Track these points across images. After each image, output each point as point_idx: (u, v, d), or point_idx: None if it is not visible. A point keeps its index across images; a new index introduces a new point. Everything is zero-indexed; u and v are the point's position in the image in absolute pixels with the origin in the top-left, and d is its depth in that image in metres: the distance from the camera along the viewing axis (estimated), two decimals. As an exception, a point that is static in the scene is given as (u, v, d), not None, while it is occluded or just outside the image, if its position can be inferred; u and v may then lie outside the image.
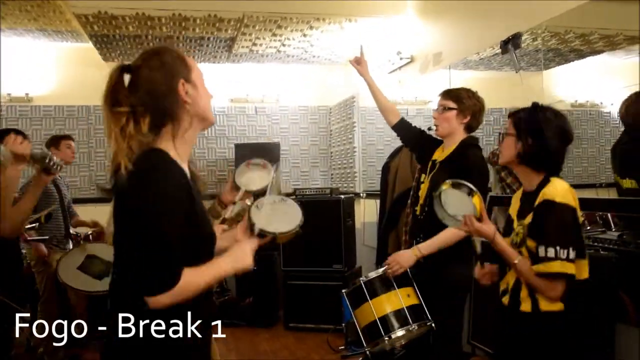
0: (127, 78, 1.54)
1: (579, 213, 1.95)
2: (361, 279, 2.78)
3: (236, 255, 1.61)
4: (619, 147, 2.77)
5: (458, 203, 2.11)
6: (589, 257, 2.30)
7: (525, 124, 2.03)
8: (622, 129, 2.80)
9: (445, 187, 2.13)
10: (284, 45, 5.43)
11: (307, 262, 5.08)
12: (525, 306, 1.99)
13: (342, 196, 5.13)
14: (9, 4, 4.46)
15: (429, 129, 2.90)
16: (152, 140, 1.53)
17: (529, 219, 1.99)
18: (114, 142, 1.49)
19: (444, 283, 2.67)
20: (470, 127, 2.78)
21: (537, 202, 1.97)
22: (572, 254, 1.87)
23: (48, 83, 5.93)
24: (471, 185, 2.11)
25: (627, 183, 2.74)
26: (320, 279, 5.00)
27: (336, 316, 4.62)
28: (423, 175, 2.89)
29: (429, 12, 4.56)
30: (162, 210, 1.43)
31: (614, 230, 2.86)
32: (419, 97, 5.05)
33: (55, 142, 4.37)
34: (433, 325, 2.64)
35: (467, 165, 2.62)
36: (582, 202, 2.88)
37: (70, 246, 4.28)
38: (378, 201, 4.93)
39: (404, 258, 2.69)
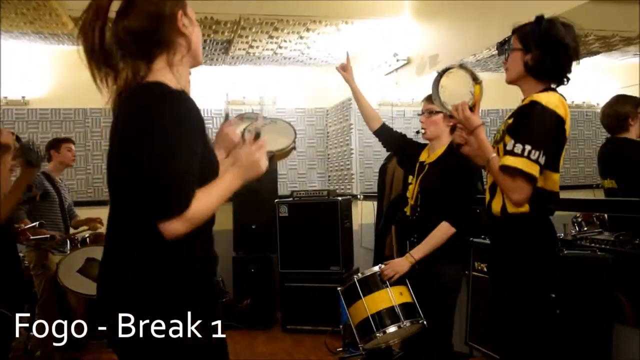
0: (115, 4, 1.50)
1: (568, 124, 1.93)
2: (355, 276, 2.82)
3: (244, 165, 1.51)
4: (600, 149, 2.79)
5: (456, 87, 2.11)
6: (586, 258, 2.31)
7: (532, 35, 2.01)
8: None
9: (454, 67, 2.13)
10: (280, 47, 5.43)
11: (305, 264, 5.09)
12: (496, 207, 2.02)
13: (340, 198, 5.15)
14: (5, 7, 4.44)
15: (418, 132, 2.93)
16: (145, 70, 1.47)
17: (511, 120, 2.01)
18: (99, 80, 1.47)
19: (435, 284, 2.72)
20: (455, 129, 2.79)
21: (523, 102, 1.98)
22: (537, 155, 1.85)
23: (44, 86, 5.92)
24: (477, 74, 2.11)
25: (608, 183, 2.76)
26: (317, 280, 5.00)
27: (334, 318, 4.64)
28: (410, 177, 2.93)
29: (425, 14, 4.56)
30: (181, 133, 1.37)
31: (605, 232, 2.89)
32: (416, 98, 5.04)
33: (55, 145, 4.38)
34: (425, 323, 2.67)
35: (459, 165, 2.64)
36: (579, 203, 2.91)
37: (68, 249, 4.26)
38: (375, 203, 4.91)
39: (399, 265, 2.74)
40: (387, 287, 2.73)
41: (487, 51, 3.62)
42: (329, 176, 6.72)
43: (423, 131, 2.88)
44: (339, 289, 2.88)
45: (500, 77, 3.64)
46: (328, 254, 5.02)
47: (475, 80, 2.11)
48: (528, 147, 1.86)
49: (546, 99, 1.92)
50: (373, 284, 2.77)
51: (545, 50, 1.98)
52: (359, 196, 5.76)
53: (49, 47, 5.67)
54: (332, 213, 5.04)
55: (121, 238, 1.47)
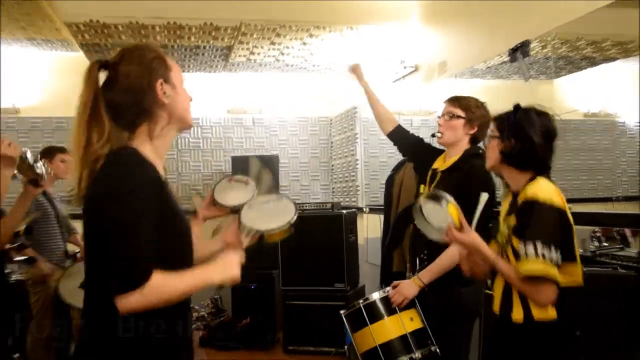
0: (103, 75, 1.56)
1: (569, 214, 1.94)
2: (360, 301, 2.74)
3: (222, 265, 1.60)
4: None
5: (437, 215, 2.12)
6: (606, 276, 2.29)
7: (507, 124, 2.07)
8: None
9: (422, 200, 2.15)
10: (282, 54, 5.46)
11: (308, 281, 5.05)
12: (517, 314, 1.98)
13: (344, 211, 5.11)
14: (-2, 12, 4.49)
15: (433, 135, 2.88)
16: (127, 139, 1.55)
17: (513, 218, 2.01)
18: (83, 150, 1.51)
19: (450, 306, 2.63)
20: (475, 140, 2.75)
21: (519, 202, 1.99)
22: (554, 254, 1.86)
23: (36, 94, 5.96)
24: (444, 194, 2.13)
25: None
26: (321, 298, 4.96)
27: (338, 338, 4.59)
28: (422, 186, 2.86)
29: (433, 19, 4.57)
30: (131, 206, 1.41)
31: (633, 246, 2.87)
32: (424, 107, 5.05)
33: (49, 154, 4.28)
34: (438, 350, 2.60)
35: (470, 176, 2.61)
36: (598, 217, 2.88)
37: (67, 264, 4.24)
38: (382, 216, 4.89)
39: (407, 289, 2.67)
40: (397, 312, 2.66)
41: (498, 58, 3.62)
42: (333, 188, 6.72)
43: (439, 135, 2.80)
44: (342, 312, 2.81)
45: (512, 85, 3.66)
46: (332, 270, 4.97)
47: (443, 201, 2.13)
48: (539, 245, 1.87)
49: (540, 193, 1.93)
50: (380, 309, 2.70)
51: (517, 139, 2.03)
52: (364, 209, 5.76)
53: (41, 54, 5.72)
54: (337, 227, 5.00)
55: (93, 299, 1.53)
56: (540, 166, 2.06)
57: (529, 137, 2.02)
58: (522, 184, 2.04)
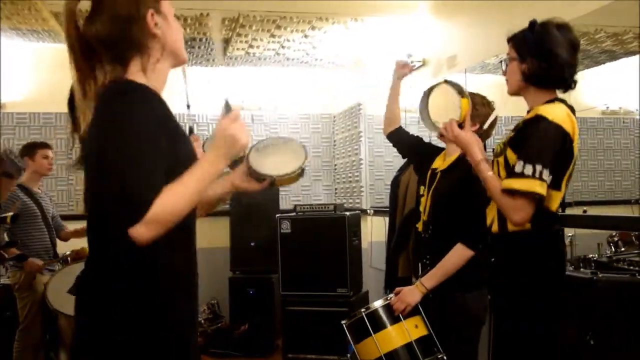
0: (85, 4, 1.53)
1: (577, 140, 1.99)
2: (362, 310, 2.75)
3: (221, 141, 1.52)
4: None
5: (444, 104, 2.20)
6: (623, 282, 2.29)
7: (525, 42, 2.09)
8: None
9: (440, 84, 2.24)
10: (283, 47, 5.46)
11: (309, 286, 5.06)
12: (494, 226, 2.09)
13: (347, 213, 5.13)
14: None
15: None
16: (120, 73, 1.51)
17: (513, 132, 2.08)
18: (81, 86, 1.51)
19: (453, 312, 2.64)
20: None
21: (528, 116, 2.04)
22: (546, 174, 1.91)
23: (22, 88, 5.94)
24: (463, 87, 2.20)
25: None
26: (322, 304, 4.97)
27: (340, 345, 4.59)
28: (422, 188, 2.86)
29: (443, 11, 4.57)
30: (140, 131, 1.39)
31: None
32: (432, 103, 5.06)
33: (29, 150, 4.31)
34: (445, 358, 2.60)
35: (471, 174, 2.59)
36: (616, 220, 2.88)
37: (57, 267, 4.26)
38: (387, 218, 4.90)
39: (409, 296, 2.67)
40: (401, 320, 2.66)
41: None
42: (336, 189, 6.73)
43: None
44: (343, 323, 2.81)
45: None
46: (334, 274, 4.99)
47: (462, 93, 2.20)
48: (539, 167, 1.92)
49: (552, 112, 1.97)
50: (383, 318, 2.70)
51: (540, 58, 2.05)
52: (368, 211, 5.76)
53: (27, 45, 5.72)
54: (339, 229, 5.02)
55: (95, 256, 1.53)
56: (562, 82, 2.09)
57: (552, 53, 2.03)
58: (539, 103, 2.07)
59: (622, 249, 2.88)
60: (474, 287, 2.58)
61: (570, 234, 2.98)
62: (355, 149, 6.11)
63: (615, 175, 3.06)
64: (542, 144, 1.94)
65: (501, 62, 2.24)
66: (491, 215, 2.16)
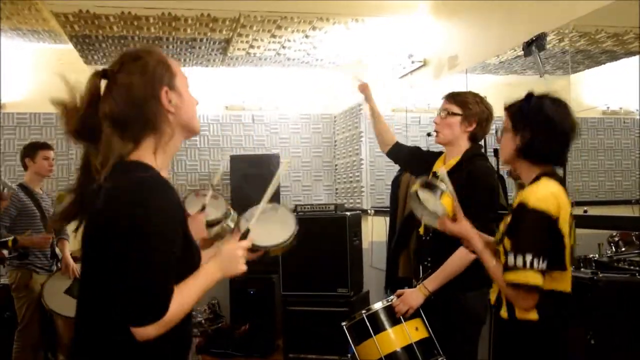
0: (103, 83, 1.52)
1: (565, 218, 1.98)
2: (363, 312, 2.75)
3: (225, 260, 1.61)
4: None
5: (433, 202, 2.19)
6: (624, 282, 2.29)
7: (521, 115, 2.07)
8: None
9: (415, 187, 2.22)
10: (284, 47, 5.47)
11: (309, 286, 5.05)
12: (504, 312, 2.08)
13: (348, 213, 5.12)
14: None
15: (429, 134, 2.90)
16: (131, 151, 1.52)
17: (509, 217, 2.07)
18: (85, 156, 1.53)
19: (455, 312, 2.66)
20: (474, 137, 2.77)
21: (515, 204, 2.04)
22: (536, 262, 1.91)
23: (22, 88, 5.98)
24: (439, 183, 2.20)
25: None
26: (323, 304, 4.96)
27: (341, 345, 4.58)
28: None
29: (444, 11, 4.58)
30: (162, 232, 1.42)
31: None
32: (432, 104, 5.05)
33: (30, 151, 4.32)
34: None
35: (473, 178, 2.62)
36: (616, 220, 2.89)
37: (55, 268, 4.27)
38: (387, 218, 4.91)
39: (412, 298, 2.67)
40: (402, 322, 2.67)
41: (512, 52, 3.63)
42: (337, 189, 6.75)
43: (435, 134, 2.83)
44: (343, 324, 2.82)
45: (526, 80, 3.65)
46: (335, 275, 4.98)
47: (438, 191, 2.20)
48: (527, 257, 1.93)
49: (534, 196, 1.97)
50: (384, 319, 2.70)
51: (535, 132, 2.04)
52: (369, 211, 5.79)
53: (27, 45, 5.72)
54: (340, 229, 5.01)
55: (90, 327, 1.52)
56: (555, 160, 2.10)
57: (544, 129, 2.03)
58: (531, 179, 2.08)
59: (623, 249, 2.89)
60: (475, 287, 2.59)
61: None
62: (356, 149, 6.14)
63: (616, 175, 3.07)
64: (527, 233, 1.95)
65: (496, 130, 2.25)
66: (494, 294, 2.18)
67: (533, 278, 1.92)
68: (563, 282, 2.01)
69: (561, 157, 2.09)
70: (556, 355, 2.04)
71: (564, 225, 1.97)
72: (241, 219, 1.90)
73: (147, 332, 1.38)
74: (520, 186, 2.23)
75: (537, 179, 2.05)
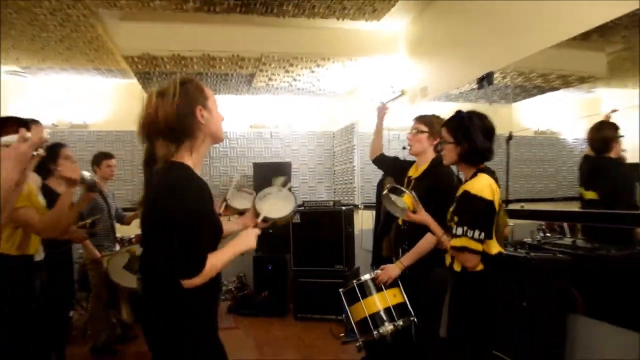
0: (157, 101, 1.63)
1: (497, 201, 2.03)
2: (354, 281, 2.76)
3: (243, 239, 1.75)
4: (585, 164, 2.81)
5: (400, 201, 2.30)
6: (549, 259, 2.35)
7: (459, 130, 2.11)
8: (577, 151, 2.86)
9: (385, 191, 2.32)
10: (295, 80, 5.48)
11: (314, 263, 5.09)
12: (457, 267, 2.13)
13: (344, 207, 5.14)
14: (73, 49, 4.56)
15: (404, 147, 2.90)
16: (173, 152, 1.63)
17: (455, 205, 2.13)
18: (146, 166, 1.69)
19: (426, 283, 2.64)
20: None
21: (459, 193, 2.09)
22: (477, 234, 1.98)
23: (101, 112, 6.01)
24: (401, 188, 2.29)
25: (590, 195, 2.75)
26: (324, 277, 5.00)
27: (338, 308, 4.63)
28: None
29: (417, 53, 4.56)
30: (201, 212, 1.56)
31: (568, 236, 2.90)
32: (408, 124, 5.06)
33: (97, 160, 4.29)
34: (415, 320, 2.63)
35: (436, 180, 2.63)
36: (543, 213, 2.92)
37: (117, 248, 4.26)
38: (374, 212, 4.90)
39: (391, 270, 2.69)
40: (383, 290, 2.69)
41: (469, 85, 3.61)
42: (335, 189, 6.73)
43: (409, 147, 2.82)
44: (340, 290, 2.83)
45: (479, 107, 3.68)
46: (333, 254, 5.01)
47: (401, 193, 2.30)
48: (465, 229, 2.00)
49: (475, 186, 2.02)
50: (370, 287, 2.72)
51: (471, 142, 2.08)
52: (360, 206, 5.75)
53: (105, 81, 5.79)
54: (337, 220, 5.04)
55: (154, 276, 1.64)
56: (484, 159, 2.13)
57: (475, 138, 2.07)
58: (470, 175, 2.12)
59: (548, 235, 2.90)
60: (441, 264, 2.58)
61: (511, 224, 3.01)
62: (350, 158, 6.10)
63: (544, 179, 3.09)
64: (468, 212, 2.01)
65: (438, 142, 2.36)
66: (450, 259, 2.20)
67: (475, 245, 1.98)
68: (492, 248, 2.05)
69: (491, 153, 2.13)
70: (488, 292, 2.09)
71: (497, 205, 2.03)
72: (256, 198, 2.01)
73: (192, 282, 1.54)
74: (460, 180, 2.32)
75: (475, 174, 2.09)
